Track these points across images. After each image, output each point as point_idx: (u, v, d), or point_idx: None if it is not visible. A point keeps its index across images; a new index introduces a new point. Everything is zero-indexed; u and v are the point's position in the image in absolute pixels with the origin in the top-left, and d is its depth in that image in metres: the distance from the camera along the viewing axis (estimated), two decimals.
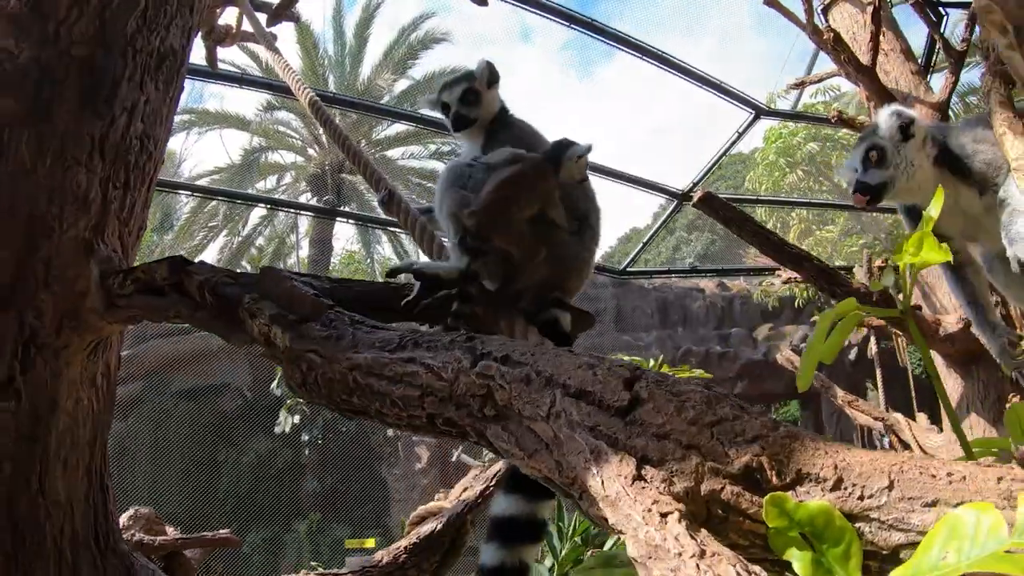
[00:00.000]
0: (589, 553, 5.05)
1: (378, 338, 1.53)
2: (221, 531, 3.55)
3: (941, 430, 6.63)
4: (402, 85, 19.68)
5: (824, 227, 16.26)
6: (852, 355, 16.81)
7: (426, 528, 3.25)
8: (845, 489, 0.99)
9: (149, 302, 2.02)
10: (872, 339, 11.14)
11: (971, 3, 6.16)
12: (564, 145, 2.07)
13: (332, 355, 1.54)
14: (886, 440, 16.02)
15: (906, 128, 2.41)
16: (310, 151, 20.12)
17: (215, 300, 1.93)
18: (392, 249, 20.79)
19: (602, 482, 1.08)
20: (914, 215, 2.72)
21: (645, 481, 1.07)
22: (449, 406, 1.35)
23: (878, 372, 10.79)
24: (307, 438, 14.82)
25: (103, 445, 2.08)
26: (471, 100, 2.33)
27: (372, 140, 19.79)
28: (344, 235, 23.23)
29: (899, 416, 7.38)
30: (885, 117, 2.46)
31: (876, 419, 7.66)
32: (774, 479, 1.03)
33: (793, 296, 17.14)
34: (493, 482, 3.46)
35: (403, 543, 3.19)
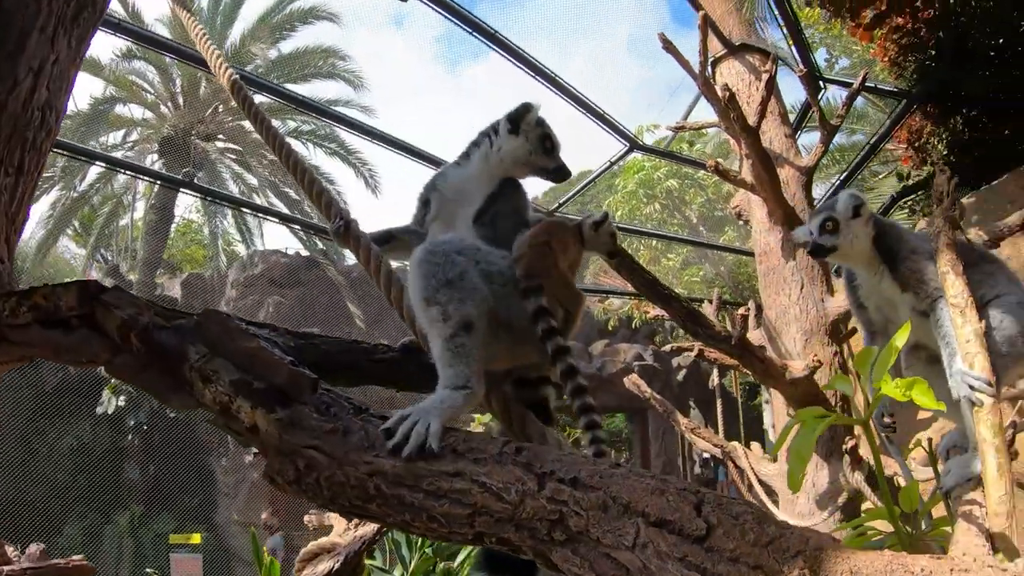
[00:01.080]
0: (442, 565, 4.89)
1: None
2: (74, 557, 3.04)
3: (775, 460, 7.01)
4: (271, 56, 18.39)
5: (668, 256, 17.00)
6: (680, 376, 17.74)
7: (322, 568, 2.94)
8: None
9: (51, 338, 1.57)
10: (715, 371, 11.80)
11: (851, 84, 6.57)
12: (582, 220, 2.04)
13: (343, 456, 1.32)
14: (704, 455, 17.01)
15: (858, 208, 2.85)
16: (163, 109, 18.37)
17: (145, 347, 1.53)
18: (235, 223, 19.51)
19: None
20: (851, 278, 3.08)
21: None
22: (507, 527, 1.26)
23: (718, 403, 11.47)
24: (132, 422, 13.40)
25: None
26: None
27: (229, 107, 18.43)
28: (184, 202, 21.51)
29: (736, 444, 7.71)
30: (844, 198, 2.87)
31: (716, 446, 7.95)
32: None
33: (631, 317, 17.81)
34: None
35: None
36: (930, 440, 2.79)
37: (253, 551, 5.12)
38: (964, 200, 5.90)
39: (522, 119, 2.18)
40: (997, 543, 2.16)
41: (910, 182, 7.96)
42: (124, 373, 1.53)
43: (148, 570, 10.11)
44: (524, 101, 2.23)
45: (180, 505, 13.76)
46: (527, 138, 2.17)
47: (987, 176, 5.60)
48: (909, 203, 8.15)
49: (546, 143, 2.18)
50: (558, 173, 2.22)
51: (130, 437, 13.63)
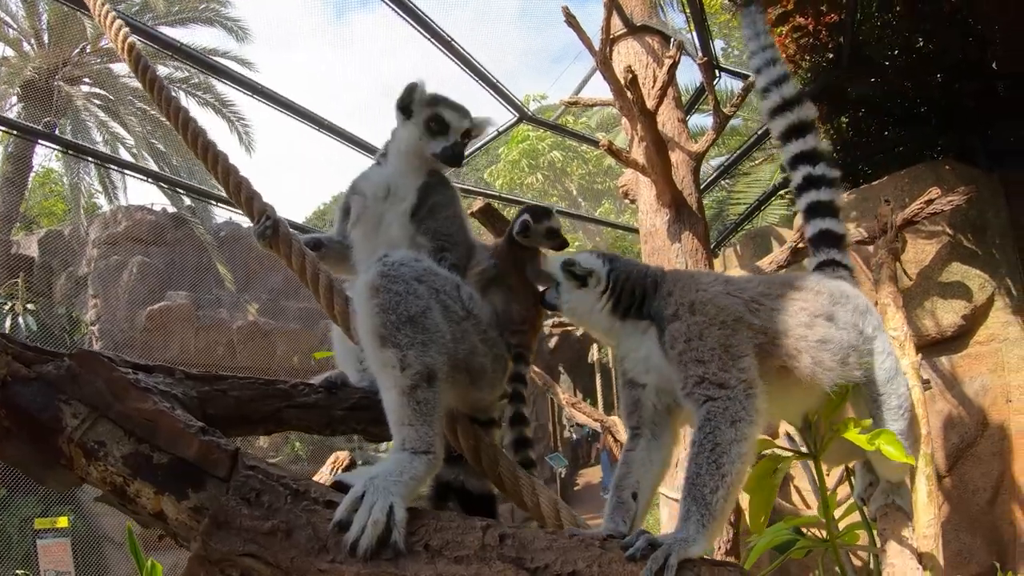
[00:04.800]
0: None
1: None
2: None
3: None
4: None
5: None
6: (552, 343, 17.88)
7: None
8: None
9: None
10: (594, 347, 11.90)
11: (747, 75, 6.57)
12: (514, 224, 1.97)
13: (290, 563, 0.97)
14: (574, 423, 17.30)
15: (583, 279, 1.90)
16: (27, 47, 16.18)
17: (6, 410, 1.13)
18: (98, 176, 17.68)
19: None
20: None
21: None
22: None
23: (598, 377, 11.56)
24: None
25: None
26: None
27: (99, 47, 16.53)
28: (43, 151, 19.25)
29: (616, 419, 7.77)
30: (555, 266, 1.95)
31: (596, 420, 8.01)
32: None
33: None
34: None
35: None
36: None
37: (130, 549, 4.64)
38: (844, 196, 6.06)
39: (411, 101, 1.91)
40: (925, 562, 2.17)
41: None
42: None
43: (18, 571, 8.98)
44: (410, 81, 1.93)
45: (44, 487, 12.23)
46: (416, 123, 1.90)
47: (866, 176, 5.79)
48: (789, 194, 8.38)
49: (431, 124, 1.90)
50: (444, 155, 1.91)
51: None
